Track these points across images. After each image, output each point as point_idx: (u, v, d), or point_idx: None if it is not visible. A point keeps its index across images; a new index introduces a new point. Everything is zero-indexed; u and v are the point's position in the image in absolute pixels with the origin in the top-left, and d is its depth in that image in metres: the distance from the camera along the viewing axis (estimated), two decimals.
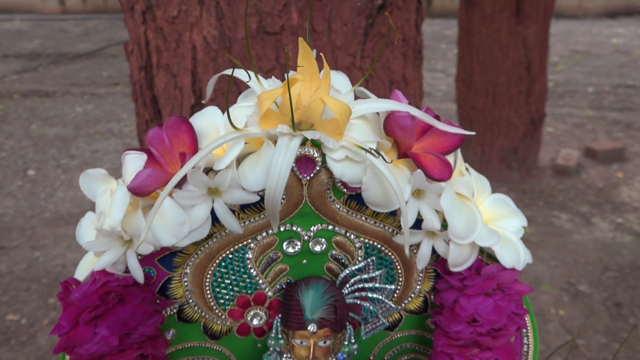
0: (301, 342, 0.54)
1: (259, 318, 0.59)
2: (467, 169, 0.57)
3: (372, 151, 0.43)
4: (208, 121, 0.52)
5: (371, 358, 0.62)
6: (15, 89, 5.12)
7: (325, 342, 0.54)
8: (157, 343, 0.54)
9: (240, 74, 0.50)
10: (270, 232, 0.55)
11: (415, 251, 0.55)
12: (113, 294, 0.50)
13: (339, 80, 0.51)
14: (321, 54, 0.46)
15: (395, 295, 0.59)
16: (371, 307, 0.56)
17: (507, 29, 3.56)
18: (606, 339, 2.59)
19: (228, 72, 0.49)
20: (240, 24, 1.21)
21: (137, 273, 0.51)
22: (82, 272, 0.55)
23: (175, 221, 0.48)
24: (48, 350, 2.46)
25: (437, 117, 0.53)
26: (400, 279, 0.58)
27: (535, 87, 3.66)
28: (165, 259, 0.55)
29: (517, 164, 3.82)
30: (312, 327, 0.53)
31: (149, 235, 0.48)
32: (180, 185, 0.50)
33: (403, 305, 0.60)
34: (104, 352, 0.50)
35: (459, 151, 0.54)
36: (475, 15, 3.56)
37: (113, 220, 0.49)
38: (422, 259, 0.53)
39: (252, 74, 0.50)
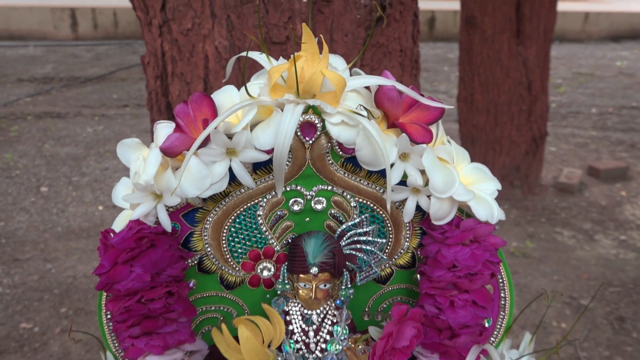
0: (304, 285, 0.64)
1: (268, 270, 0.69)
2: (448, 141, 0.67)
3: (363, 107, 0.53)
4: (226, 96, 0.62)
5: (367, 310, 0.72)
6: (29, 111, 5.29)
7: (325, 286, 0.64)
8: (181, 285, 0.64)
9: (254, 55, 0.61)
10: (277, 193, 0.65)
11: (401, 207, 0.65)
12: (146, 239, 0.60)
13: (337, 61, 0.62)
14: (321, 35, 0.57)
15: (387, 250, 0.69)
16: (365, 257, 0.65)
17: (507, 50, 3.67)
18: (608, 352, 2.64)
19: (244, 54, 0.60)
20: (249, 34, 1.33)
21: (166, 223, 0.61)
22: (118, 226, 0.65)
23: (199, 175, 0.58)
24: (60, 357, 2.54)
25: (421, 95, 0.63)
26: (391, 236, 0.68)
27: (536, 106, 3.76)
28: (188, 215, 0.66)
29: (520, 181, 3.90)
30: (314, 270, 0.63)
31: (178, 189, 0.59)
32: (203, 147, 0.60)
33: (394, 260, 0.70)
34: (138, 288, 0.60)
35: (440, 123, 0.65)
36: (475, 36, 3.68)
37: (147, 175, 0.59)
38: (408, 213, 0.63)
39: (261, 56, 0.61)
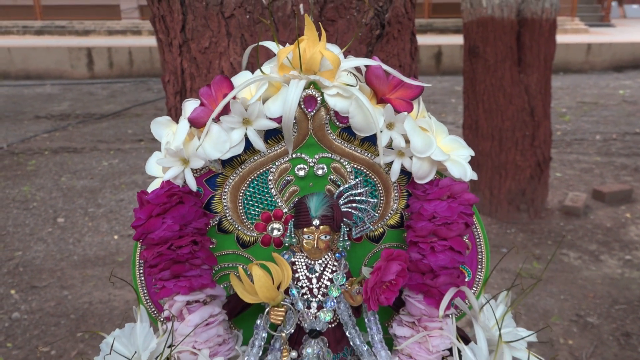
0: (308, 237, 0.76)
1: (277, 230, 0.82)
2: (429, 116, 0.80)
3: (353, 74, 0.67)
4: (242, 79, 0.76)
5: (363, 266, 0.84)
6: (46, 146, 5.49)
7: (325, 237, 0.76)
8: (204, 237, 0.77)
9: (265, 43, 0.76)
10: (286, 159, 0.78)
11: (388, 169, 0.78)
12: (176, 196, 0.73)
13: (333, 48, 0.76)
14: (320, 23, 0.71)
15: (379, 210, 0.81)
16: (359, 215, 0.78)
17: (509, 78, 3.82)
18: None
19: (263, 43, 0.74)
20: (261, 52, 1.48)
21: (192, 184, 0.74)
22: (152, 189, 0.78)
23: (220, 140, 0.72)
24: None
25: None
26: (382, 198, 0.81)
27: (540, 132, 3.88)
28: (210, 180, 0.79)
29: (526, 205, 3.99)
30: (315, 222, 0.75)
31: (201, 151, 0.72)
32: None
33: (385, 220, 0.82)
34: (169, 237, 0.72)
35: (420, 99, 0.78)
36: (478, 65, 3.84)
37: (178, 141, 0.73)
38: (394, 172, 0.76)
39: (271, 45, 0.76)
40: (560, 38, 9.24)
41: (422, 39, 9.73)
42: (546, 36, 3.85)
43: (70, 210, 4.36)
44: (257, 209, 0.81)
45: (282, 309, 0.75)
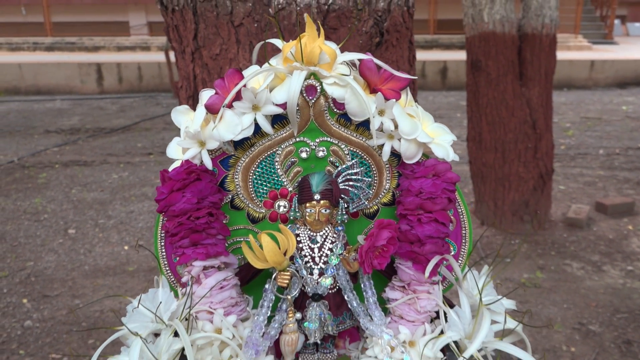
0: (310, 210, 0.88)
1: (284, 207, 0.93)
2: (416, 106, 0.92)
3: (347, 63, 0.79)
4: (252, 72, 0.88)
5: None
6: (56, 160, 5.64)
7: (325, 211, 0.88)
8: (219, 211, 0.88)
9: (273, 40, 0.88)
10: (290, 142, 0.90)
11: (380, 152, 0.89)
12: (194, 173, 0.85)
13: (330, 44, 0.88)
14: (319, 21, 0.82)
15: (373, 189, 0.93)
16: (355, 191, 0.89)
17: (511, 91, 3.93)
18: None
19: (270, 41, 0.86)
20: (268, 50, 1.61)
21: (208, 163, 0.86)
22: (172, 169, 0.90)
23: (232, 123, 0.83)
24: None
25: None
26: (375, 178, 0.92)
27: (542, 144, 3.98)
28: (223, 161, 0.90)
29: (529, 216, 4.08)
30: (317, 197, 0.87)
31: (216, 133, 0.84)
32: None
33: (379, 199, 0.94)
34: (188, 209, 0.84)
35: (408, 90, 0.90)
36: (481, 79, 3.96)
37: (196, 125, 0.84)
38: (385, 153, 0.87)
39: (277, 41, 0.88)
40: (564, 55, 9.38)
41: (428, 55, 9.91)
42: (547, 51, 3.97)
43: (81, 221, 4.48)
44: (265, 188, 0.93)
45: (288, 273, 0.86)
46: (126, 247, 4.19)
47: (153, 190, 4.84)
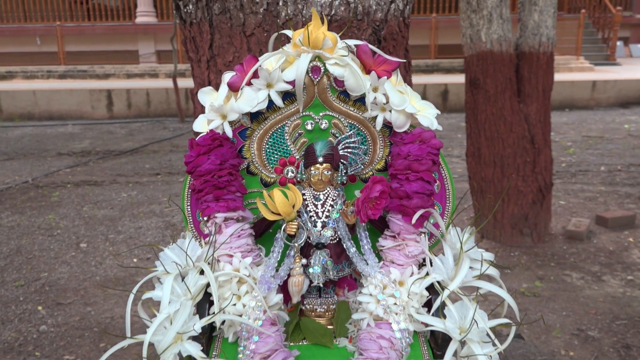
0: (315, 172, 1.05)
1: (292, 172, 1.11)
2: (405, 86, 1.10)
3: (347, 46, 0.97)
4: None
5: None
6: (68, 180, 5.85)
7: (327, 172, 1.05)
8: (237, 173, 1.06)
9: (285, 31, 1.07)
10: (298, 116, 1.08)
11: (374, 124, 1.07)
12: (217, 140, 1.03)
13: (332, 32, 1.07)
14: (324, 14, 1.01)
15: (368, 156, 1.10)
16: (353, 157, 1.07)
17: (509, 107, 4.11)
18: None
19: (283, 32, 1.05)
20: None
21: (229, 132, 1.04)
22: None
23: (249, 97, 1.02)
24: None
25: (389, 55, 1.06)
26: (370, 147, 1.10)
27: (540, 158, 4.13)
28: (241, 132, 1.08)
29: (529, 229, 4.21)
30: (320, 160, 1.04)
31: (236, 106, 1.02)
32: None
33: (373, 165, 1.11)
34: (212, 169, 1.01)
35: (398, 71, 1.08)
36: (479, 96, 4.14)
37: (219, 99, 1.02)
38: (378, 123, 1.05)
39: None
40: (566, 76, 9.57)
41: (429, 78, 10.17)
42: (544, 68, 4.15)
43: (92, 236, 4.65)
44: (276, 156, 1.10)
45: (295, 223, 1.03)
46: (135, 260, 4.34)
47: (161, 208, 5.03)
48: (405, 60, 1.09)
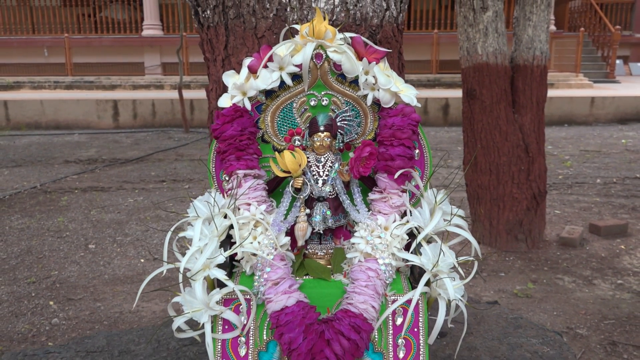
0: (316, 138, 1.33)
1: (299, 141, 1.39)
2: (392, 71, 1.39)
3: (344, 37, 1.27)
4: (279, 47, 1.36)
5: None
6: (75, 186, 6.14)
7: (327, 139, 1.33)
8: (254, 139, 1.34)
9: (295, 26, 1.36)
10: (303, 95, 1.37)
11: (365, 101, 1.36)
12: (239, 111, 1.32)
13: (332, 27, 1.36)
14: (325, 12, 1.30)
15: (361, 128, 1.39)
16: (348, 128, 1.35)
17: (504, 117, 4.38)
18: None
19: (293, 26, 1.35)
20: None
21: (248, 106, 1.33)
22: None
23: (265, 77, 1.31)
24: None
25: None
26: (363, 120, 1.39)
27: (534, 167, 4.40)
28: (258, 107, 1.37)
29: (523, 235, 4.46)
30: (322, 128, 1.33)
31: (254, 84, 1.31)
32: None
33: (365, 136, 1.40)
34: (234, 135, 1.30)
35: (385, 59, 1.36)
36: (476, 106, 4.42)
37: (241, 79, 1.32)
38: (369, 100, 1.34)
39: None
40: (565, 92, 9.85)
41: (430, 93, 10.52)
42: (538, 80, 4.43)
43: (100, 238, 4.92)
44: (286, 127, 1.39)
45: (301, 179, 1.32)
46: (142, 260, 4.60)
47: (167, 213, 5.31)
48: (390, 50, 1.39)
